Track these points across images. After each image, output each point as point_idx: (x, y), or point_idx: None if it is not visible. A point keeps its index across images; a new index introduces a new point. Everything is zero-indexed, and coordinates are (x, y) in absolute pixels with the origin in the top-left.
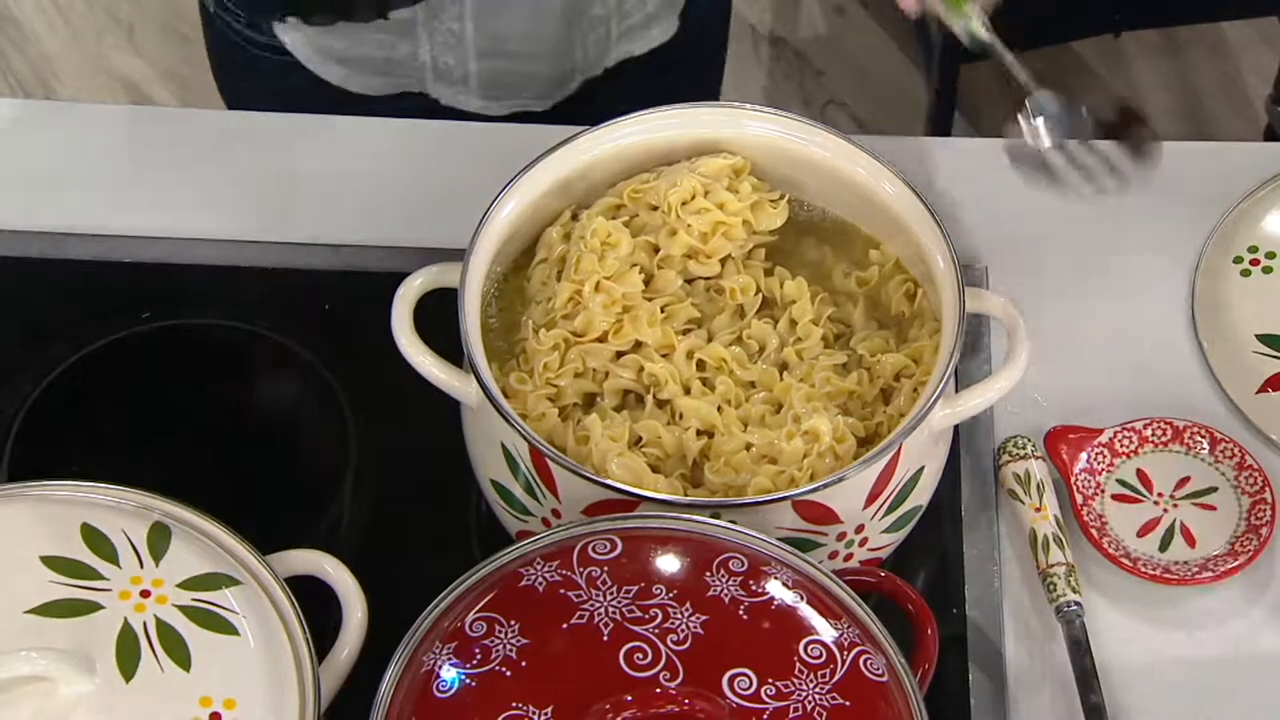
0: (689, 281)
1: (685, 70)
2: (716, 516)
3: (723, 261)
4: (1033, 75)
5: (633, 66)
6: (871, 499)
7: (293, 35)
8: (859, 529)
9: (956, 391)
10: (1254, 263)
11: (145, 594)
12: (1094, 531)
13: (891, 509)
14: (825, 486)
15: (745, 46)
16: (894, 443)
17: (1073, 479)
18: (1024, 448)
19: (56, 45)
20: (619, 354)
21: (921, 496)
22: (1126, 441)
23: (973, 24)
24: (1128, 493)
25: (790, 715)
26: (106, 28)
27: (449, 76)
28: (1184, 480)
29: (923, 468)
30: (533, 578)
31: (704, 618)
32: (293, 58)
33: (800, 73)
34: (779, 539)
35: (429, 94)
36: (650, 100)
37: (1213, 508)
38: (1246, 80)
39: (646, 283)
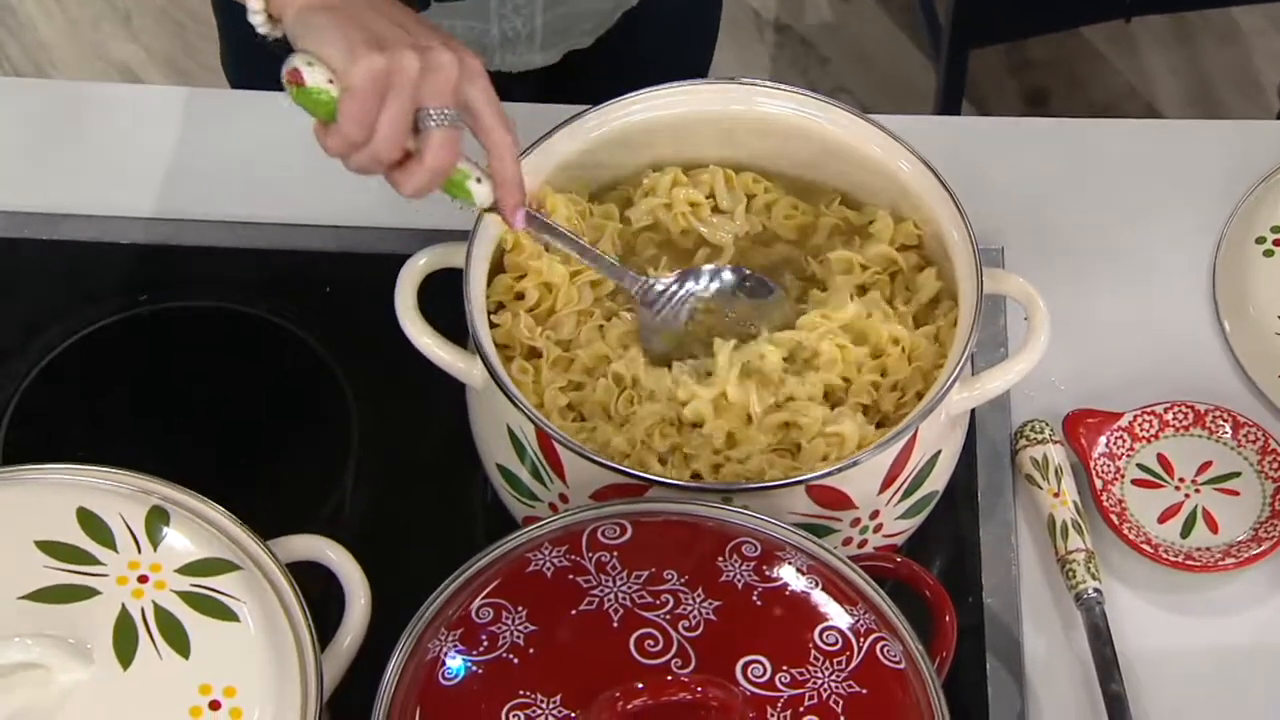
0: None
1: (712, 7)
2: (728, 501)
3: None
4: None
5: None
6: (887, 484)
7: None
8: (874, 514)
9: (973, 374)
10: (1277, 243)
11: (143, 579)
12: (1114, 517)
13: (907, 494)
14: (840, 471)
15: (750, 33)
16: (910, 426)
17: (1092, 464)
18: (1042, 432)
19: (53, 32)
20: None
21: (938, 481)
22: (1147, 425)
23: (478, 198)
24: (1148, 478)
25: (805, 703)
26: (103, 14)
27: (516, 39)
28: (1206, 465)
29: (939, 452)
30: (541, 563)
31: (716, 604)
32: None
33: (805, 59)
34: (793, 525)
35: (492, 66)
36: (685, 31)
37: (1236, 493)
38: (1258, 66)
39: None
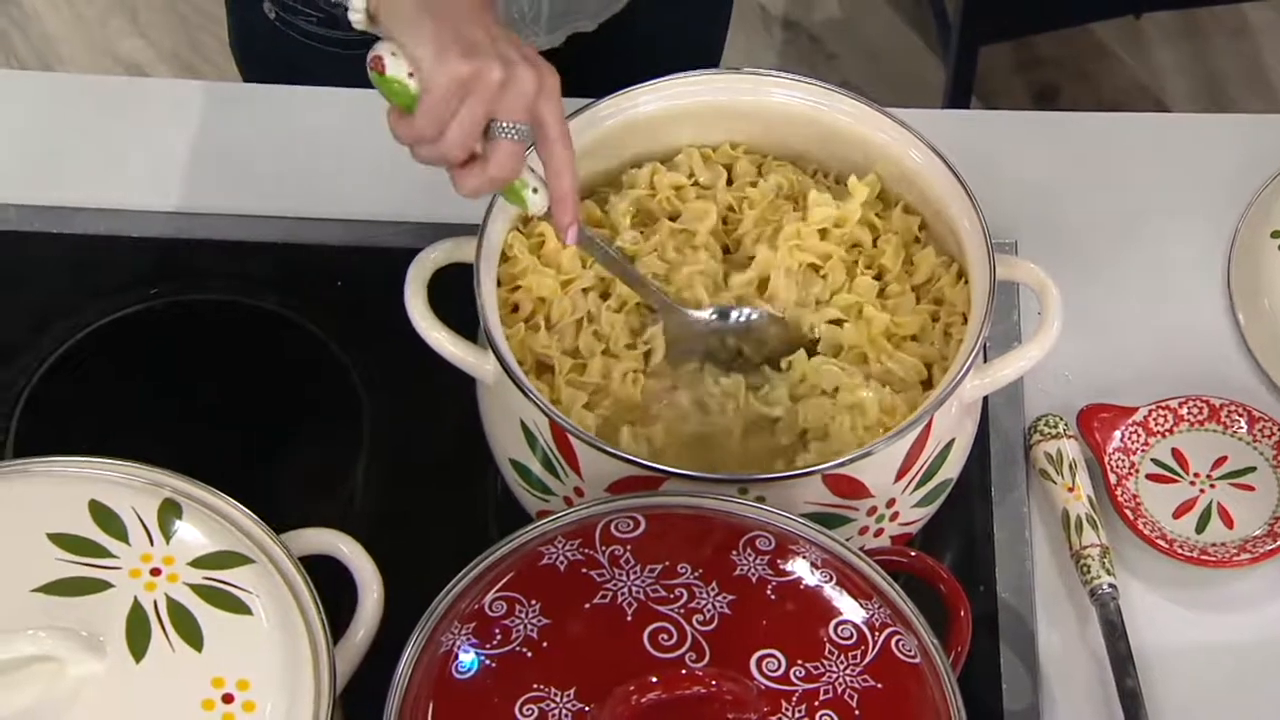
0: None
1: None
2: (744, 492)
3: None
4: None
5: None
6: (902, 472)
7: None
8: (890, 503)
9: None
10: None
11: (156, 572)
12: (1128, 512)
13: (922, 482)
14: (855, 460)
15: (757, 29)
16: (924, 415)
17: (1106, 458)
18: (1055, 426)
19: (59, 26)
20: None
21: (952, 470)
22: (1161, 420)
23: (533, 207)
24: (1163, 473)
25: (820, 697)
26: (110, 10)
27: (522, 20)
28: (1221, 459)
29: (953, 440)
30: (554, 556)
31: (730, 598)
32: (360, 50)
33: (813, 56)
34: (809, 514)
35: None
36: (692, 21)
37: (1251, 488)
38: (1267, 62)
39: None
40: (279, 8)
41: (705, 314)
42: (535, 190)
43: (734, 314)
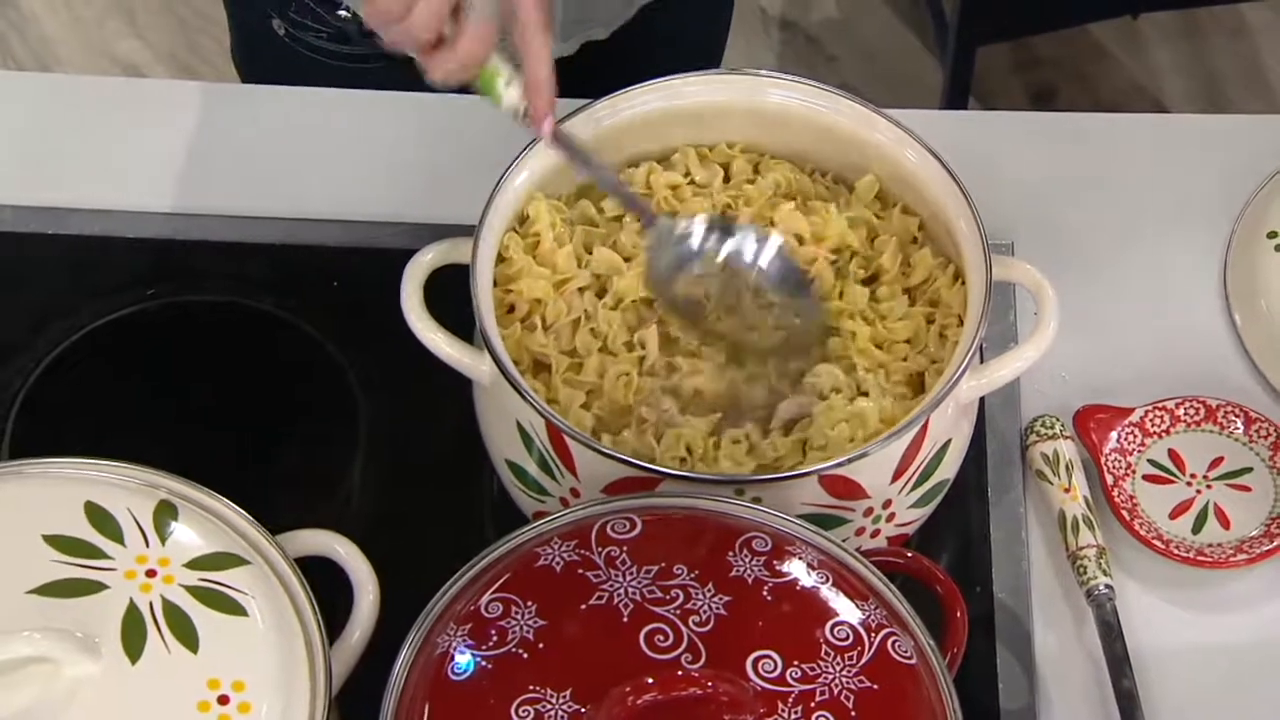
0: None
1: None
2: (740, 493)
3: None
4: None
5: None
6: (899, 473)
7: None
8: (886, 504)
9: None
10: None
11: (151, 574)
12: (1125, 513)
13: (919, 483)
14: (851, 461)
15: (755, 29)
16: (920, 416)
17: (1103, 459)
18: (1052, 427)
19: (57, 29)
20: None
21: (948, 470)
22: (1158, 421)
23: (505, 100)
24: (1160, 473)
25: (816, 698)
26: (108, 11)
27: None
28: (1218, 460)
29: (949, 441)
30: (550, 558)
31: (726, 599)
32: (369, 64)
33: (811, 57)
34: (805, 515)
35: None
36: (699, 26)
37: (1247, 488)
38: (1266, 63)
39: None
40: (288, 24)
41: (699, 223)
42: (509, 83)
43: (737, 234)
